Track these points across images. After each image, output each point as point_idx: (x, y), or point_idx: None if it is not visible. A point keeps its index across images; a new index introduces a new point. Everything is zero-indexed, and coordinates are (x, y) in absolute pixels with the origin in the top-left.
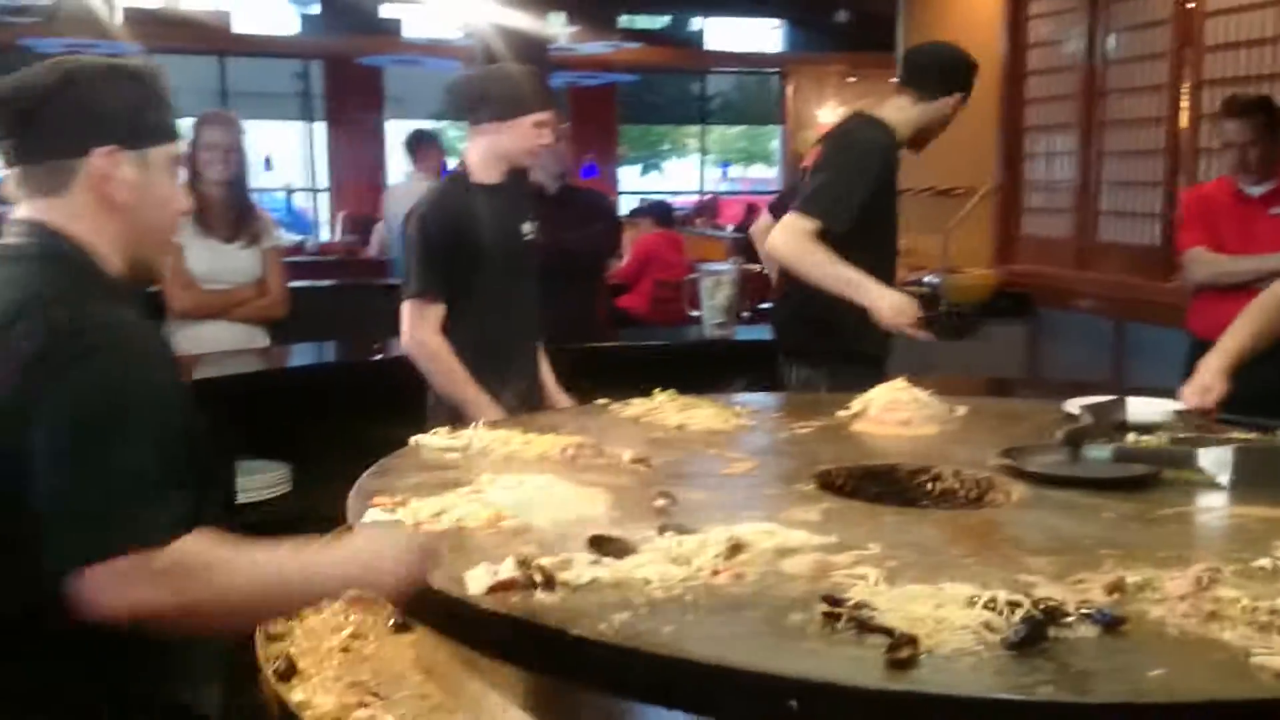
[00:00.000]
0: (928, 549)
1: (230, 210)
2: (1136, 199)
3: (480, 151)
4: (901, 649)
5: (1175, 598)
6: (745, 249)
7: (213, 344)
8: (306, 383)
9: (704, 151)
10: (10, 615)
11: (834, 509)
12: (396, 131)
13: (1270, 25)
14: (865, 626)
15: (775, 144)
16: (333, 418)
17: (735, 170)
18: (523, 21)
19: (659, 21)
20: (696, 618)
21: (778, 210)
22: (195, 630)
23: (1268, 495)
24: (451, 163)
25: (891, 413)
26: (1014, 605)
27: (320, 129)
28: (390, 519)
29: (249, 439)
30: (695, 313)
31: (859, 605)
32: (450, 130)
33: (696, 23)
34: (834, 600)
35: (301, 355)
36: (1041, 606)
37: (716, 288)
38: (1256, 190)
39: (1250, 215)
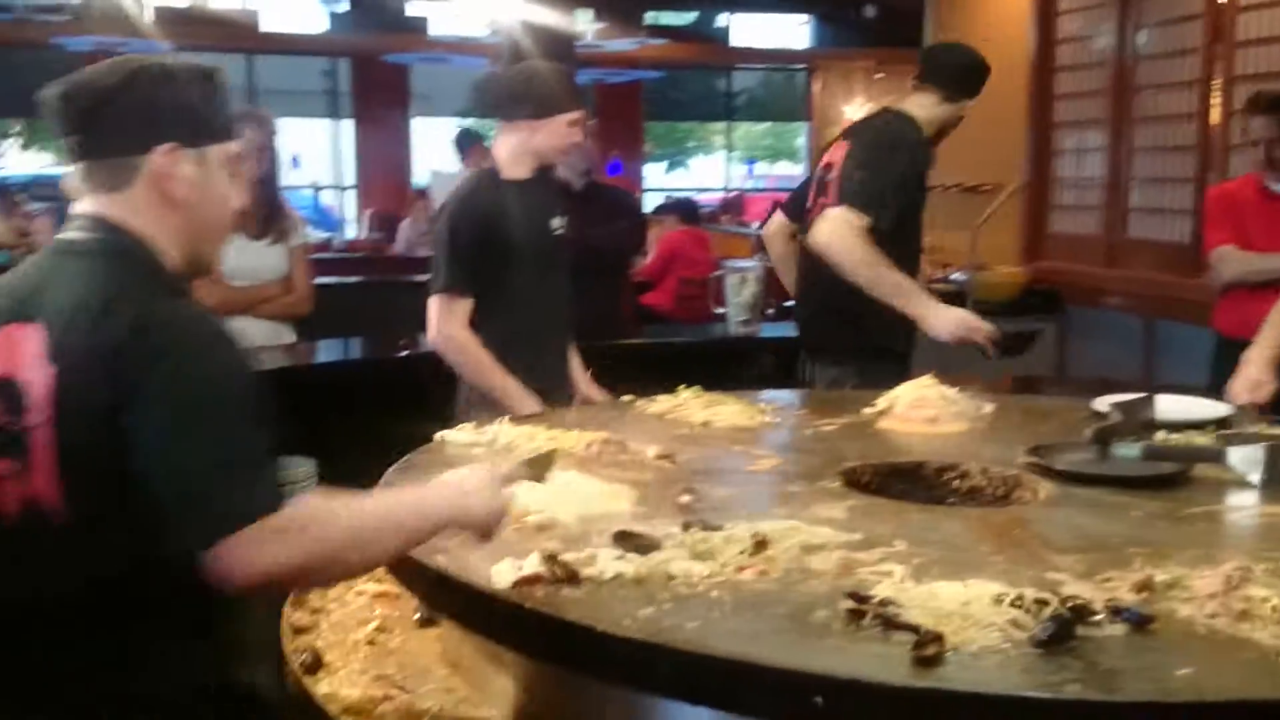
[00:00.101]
0: (954, 546)
1: (260, 208)
2: (1167, 195)
3: (511, 148)
4: (927, 646)
5: (1204, 596)
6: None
7: (239, 340)
8: (332, 379)
9: (729, 148)
10: (80, 596)
11: (859, 506)
12: (423, 129)
13: None
14: (891, 623)
15: (801, 140)
16: (359, 414)
17: (761, 167)
18: (549, 18)
19: (685, 18)
20: (721, 614)
21: (791, 209)
22: (318, 583)
23: None
24: None
25: (918, 410)
26: (1041, 603)
27: (347, 127)
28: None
29: (275, 434)
30: (720, 310)
31: (884, 602)
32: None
33: (723, 19)
34: (859, 597)
35: (328, 351)
36: (1069, 605)
37: (741, 285)
38: None
39: (1278, 212)
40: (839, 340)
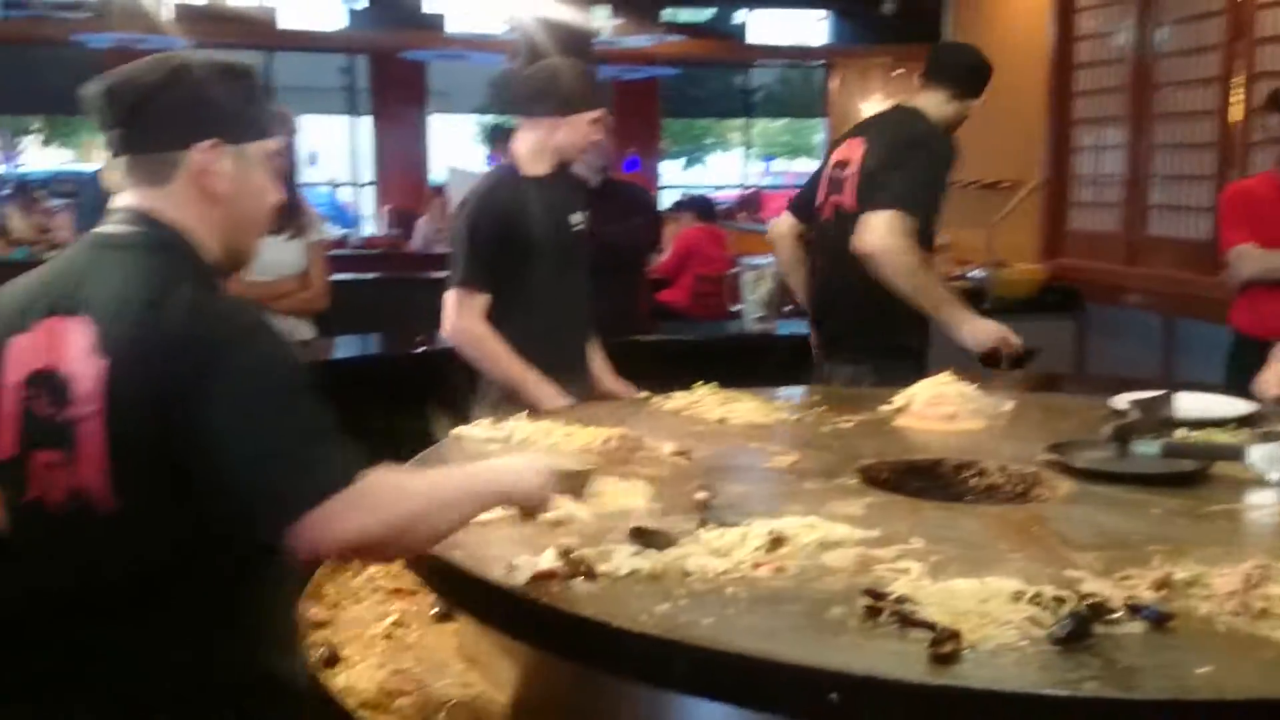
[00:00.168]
0: (972, 544)
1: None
2: (1187, 193)
3: (531, 144)
4: (944, 643)
5: (1224, 594)
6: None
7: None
8: (349, 375)
9: (747, 145)
10: (123, 583)
11: (877, 503)
12: (440, 126)
13: None
14: (907, 620)
15: (819, 137)
16: (375, 410)
17: (778, 164)
18: (567, 15)
19: (703, 15)
20: (737, 610)
21: (799, 209)
22: (391, 553)
23: None
24: None
25: (936, 407)
26: (1059, 601)
27: (365, 123)
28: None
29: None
30: (736, 307)
31: (901, 599)
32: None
33: (740, 15)
34: (876, 594)
35: (345, 347)
36: (1087, 602)
37: (758, 282)
38: None
39: None
40: (857, 338)
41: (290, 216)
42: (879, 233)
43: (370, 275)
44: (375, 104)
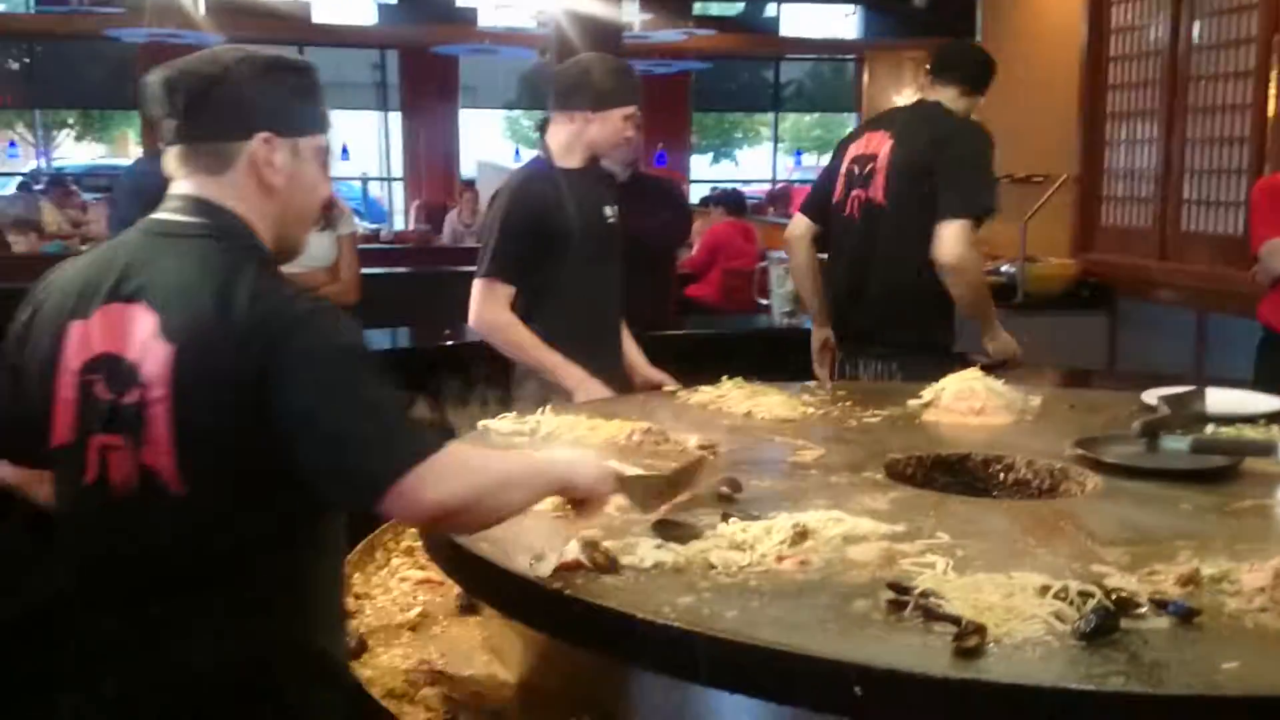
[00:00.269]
0: (998, 538)
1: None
2: (1221, 188)
3: (565, 138)
4: (969, 637)
5: (1252, 590)
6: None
7: None
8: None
9: (777, 139)
10: (187, 562)
11: (902, 498)
12: (470, 121)
13: None
14: (932, 614)
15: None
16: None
17: (809, 158)
18: (597, 9)
19: (733, 8)
20: (760, 603)
21: (813, 210)
22: (472, 522)
23: None
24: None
25: (964, 401)
26: (1085, 596)
27: (395, 118)
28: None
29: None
30: (764, 301)
31: (926, 593)
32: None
33: (771, 9)
34: (900, 588)
35: (375, 341)
36: (1114, 597)
37: (786, 276)
38: None
39: None
40: (886, 334)
41: (322, 210)
42: (955, 244)
43: (400, 269)
44: (406, 99)
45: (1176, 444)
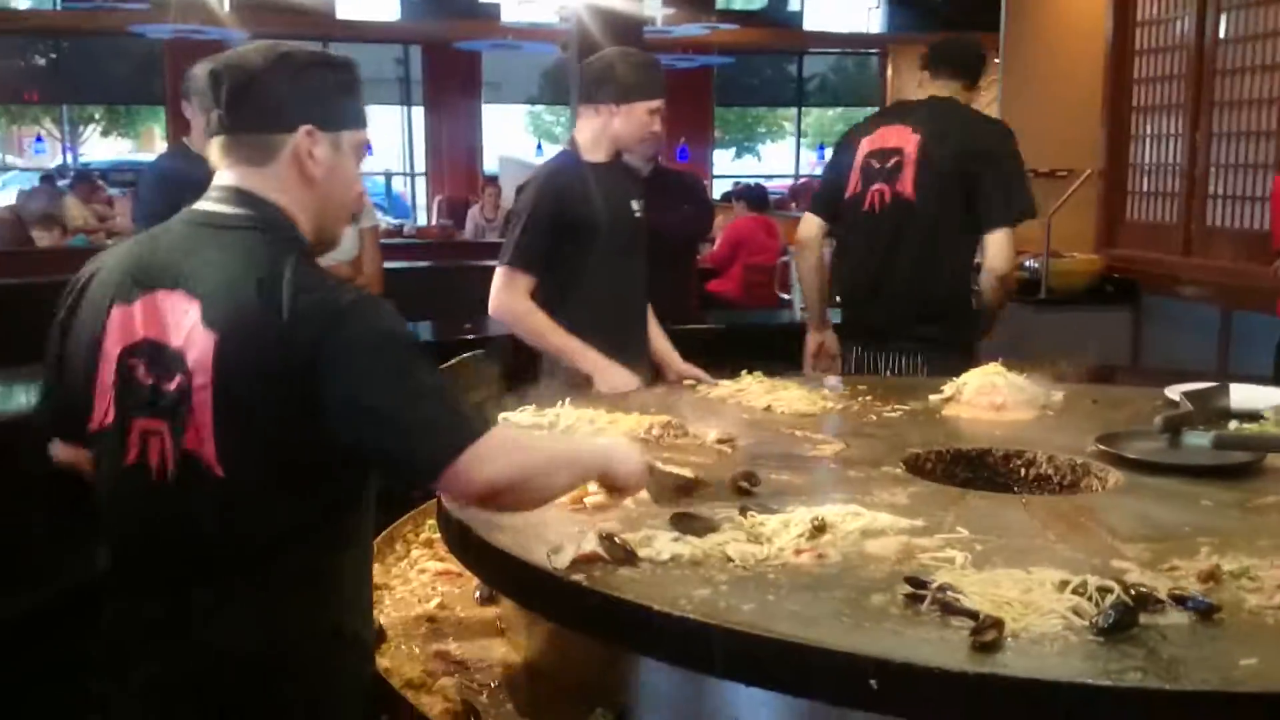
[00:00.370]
0: (1017, 533)
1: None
2: (1247, 183)
3: (592, 131)
4: (986, 631)
5: (1273, 587)
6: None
7: None
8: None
9: (800, 134)
10: (226, 546)
11: (922, 492)
12: (493, 116)
13: None
14: (949, 608)
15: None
16: None
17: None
18: (619, 3)
19: (756, 2)
20: (777, 596)
21: (823, 207)
22: (517, 501)
23: None
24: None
25: (985, 396)
26: (1104, 591)
27: (418, 113)
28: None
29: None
30: (785, 295)
31: (944, 587)
32: (545, 114)
33: (794, 3)
34: (918, 582)
35: None
36: (1133, 593)
37: None
38: None
39: None
40: (909, 328)
41: None
42: (1008, 251)
43: (422, 264)
44: (429, 94)
45: (1199, 440)
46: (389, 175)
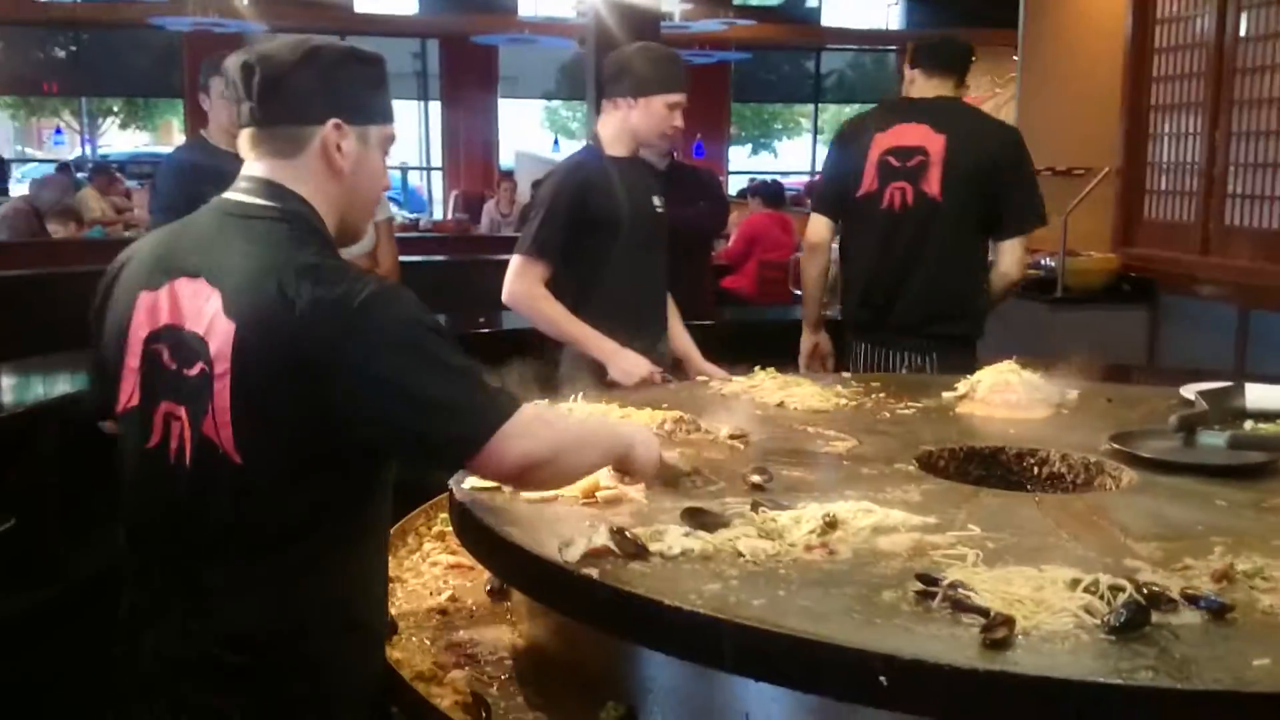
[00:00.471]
0: (1030, 532)
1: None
2: (1266, 182)
3: (613, 126)
4: (997, 629)
5: None
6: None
7: None
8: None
9: (817, 130)
10: (243, 531)
11: (934, 490)
12: (509, 111)
13: None
14: (961, 606)
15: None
16: None
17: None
18: None
19: None
20: (788, 592)
21: (829, 206)
22: (549, 478)
23: None
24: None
25: (999, 394)
26: (1116, 590)
27: (435, 108)
28: None
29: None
30: (799, 292)
31: (955, 584)
32: (562, 110)
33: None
34: (929, 579)
35: None
36: (1145, 591)
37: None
38: None
39: None
40: (926, 327)
41: None
42: (1023, 257)
43: (438, 257)
44: (445, 88)
45: (1214, 439)
46: (405, 169)
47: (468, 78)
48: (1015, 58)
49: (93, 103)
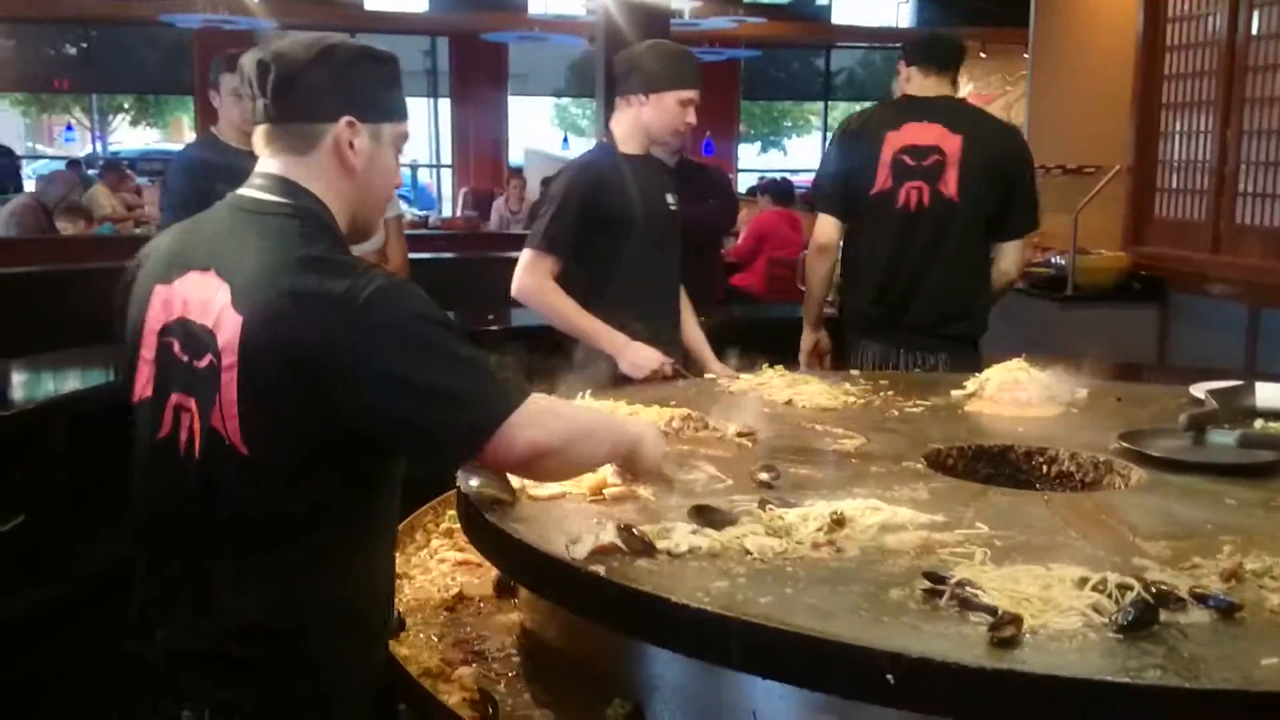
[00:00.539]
0: (1038, 530)
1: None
2: (1277, 180)
3: (626, 124)
4: (1005, 627)
5: None
6: None
7: None
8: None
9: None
10: (252, 522)
11: (943, 488)
12: (519, 108)
13: None
14: (968, 604)
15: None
16: None
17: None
18: None
19: None
20: (795, 590)
21: (837, 206)
22: (559, 468)
23: None
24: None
25: (1008, 393)
26: (1124, 588)
27: (445, 105)
28: None
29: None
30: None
31: (962, 583)
32: (571, 107)
33: None
34: (936, 577)
35: None
36: (1153, 590)
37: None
38: None
39: None
40: (941, 327)
41: None
42: (1022, 259)
43: (447, 255)
44: (455, 86)
45: (1223, 438)
46: (415, 166)
47: (478, 75)
48: (1026, 55)
49: (103, 100)
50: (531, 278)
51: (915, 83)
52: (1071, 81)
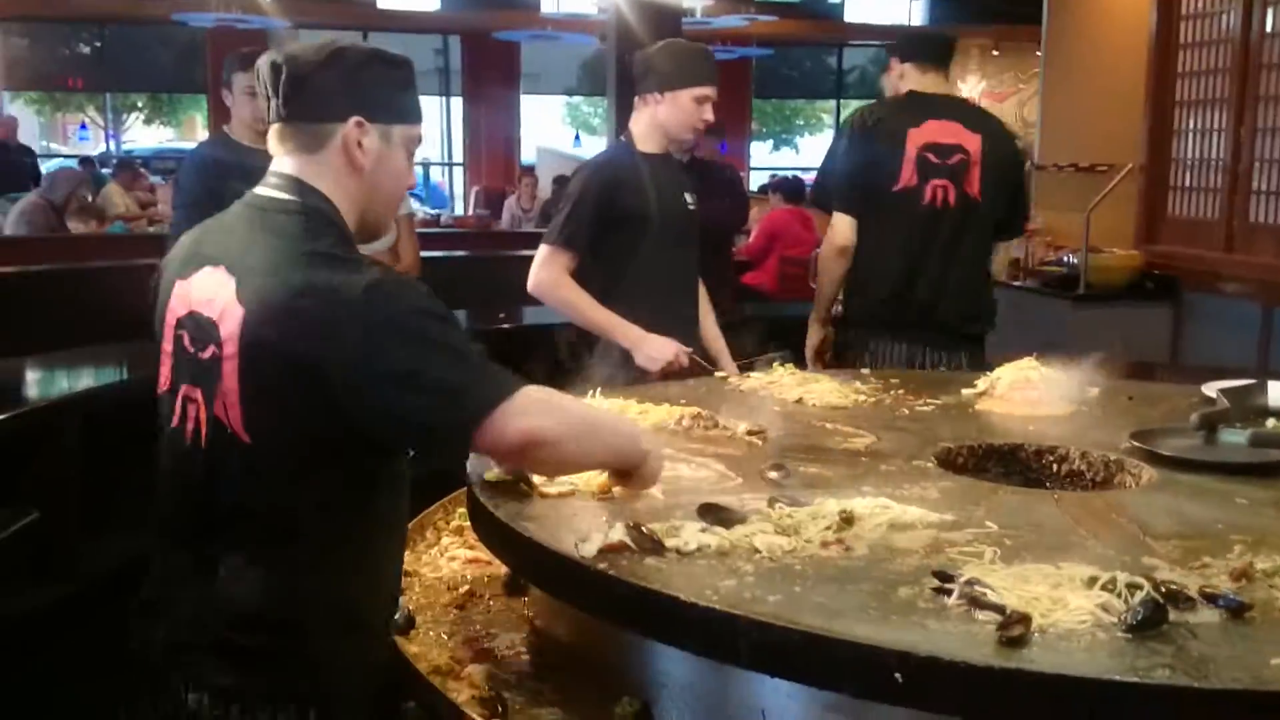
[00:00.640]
0: (1048, 529)
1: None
2: None
3: (643, 123)
4: (1013, 626)
5: None
6: None
7: None
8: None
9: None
10: (256, 512)
11: (953, 487)
12: (531, 107)
13: None
14: (977, 603)
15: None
16: None
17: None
18: None
19: None
20: (803, 588)
21: (851, 203)
22: (555, 461)
23: None
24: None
25: (1019, 391)
26: (1134, 588)
27: (457, 104)
28: None
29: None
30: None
31: (971, 581)
32: (583, 105)
33: None
34: (945, 575)
35: None
36: (1163, 590)
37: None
38: None
39: None
40: (964, 327)
41: None
42: (1003, 258)
43: (459, 253)
44: (467, 84)
45: (1235, 437)
46: (427, 165)
47: (490, 74)
48: (1038, 53)
49: (117, 98)
50: (547, 272)
51: (913, 79)
52: (1084, 79)
